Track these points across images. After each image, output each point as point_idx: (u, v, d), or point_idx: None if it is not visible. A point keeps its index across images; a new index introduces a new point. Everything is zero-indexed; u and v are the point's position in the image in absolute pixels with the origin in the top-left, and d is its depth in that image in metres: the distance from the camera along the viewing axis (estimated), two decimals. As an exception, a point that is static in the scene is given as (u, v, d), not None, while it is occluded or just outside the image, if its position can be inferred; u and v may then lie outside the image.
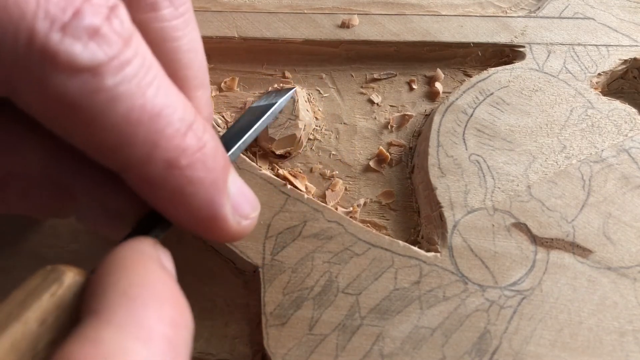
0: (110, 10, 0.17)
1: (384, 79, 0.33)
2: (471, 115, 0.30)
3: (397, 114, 0.32)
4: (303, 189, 0.30)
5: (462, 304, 0.26)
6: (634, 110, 0.31)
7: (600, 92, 0.31)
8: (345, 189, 0.31)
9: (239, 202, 0.21)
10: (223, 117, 0.32)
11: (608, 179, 0.29)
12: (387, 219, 0.30)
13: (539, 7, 0.34)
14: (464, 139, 0.30)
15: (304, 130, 0.31)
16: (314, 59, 0.34)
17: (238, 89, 0.33)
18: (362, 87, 0.33)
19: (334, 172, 0.31)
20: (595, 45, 0.33)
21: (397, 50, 0.33)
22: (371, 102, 0.33)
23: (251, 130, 0.27)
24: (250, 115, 0.29)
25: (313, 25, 0.33)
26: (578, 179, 0.29)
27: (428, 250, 0.28)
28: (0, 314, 0.16)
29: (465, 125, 0.30)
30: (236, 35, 0.33)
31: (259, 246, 0.27)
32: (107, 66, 0.17)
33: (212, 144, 0.20)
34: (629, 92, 0.34)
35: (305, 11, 0.34)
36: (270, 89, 0.32)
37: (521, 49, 0.32)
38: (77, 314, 0.17)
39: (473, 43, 0.33)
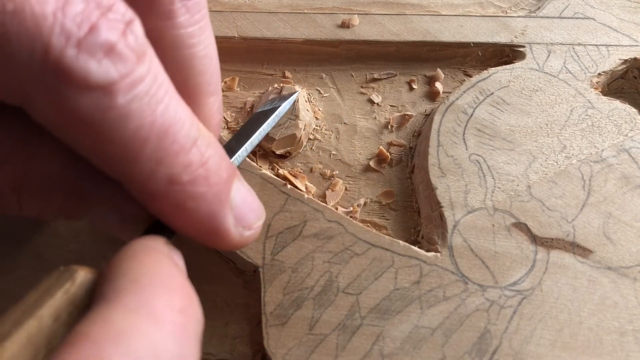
0: (126, 25, 0.17)
1: (384, 78, 0.33)
2: (471, 115, 0.30)
3: (397, 114, 0.32)
4: (303, 188, 0.30)
5: (462, 303, 0.26)
6: (634, 110, 0.31)
7: (600, 92, 0.31)
8: (346, 189, 0.31)
9: (242, 212, 0.21)
10: (223, 117, 0.32)
11: (608, 178, 0.29)
12: (387, 219, 0.30)
13: (539, 7, 0.34)
14: (464, 139, 0.30)
15: (304, 130, 0.31)
16: (314, 59, 0.34)
17: (238, 89, 0.33)
18: (362, 87, 0.33)
19: (334, 172, 0.31)
20: (596, 45, 0.33)
21: (397, 50, 0.33)
22: (371, 102, 0.33)
23: (255, 134, 0.27)
24: (254, 121, 0.29)
25: (313, 25, 0.33)
26: (578, 179, 0.29)
27: (428, 250, 0.28)
28: (16, 312, 0.16)
29: (466, 125, 0.30)
30: (236, 35, 0.33)
31: (259, 246, 0.27)
32: (119, 84, 0.17)
33: (215, 158, 0.20)
34: (629, 92, 0.34)
35: (306, 11, 0.34)
36: (270, 88, 0.32)
37: (521, 49, 0.32)
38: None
39: (473, 43, 0.33)
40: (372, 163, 0.31)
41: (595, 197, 0.28)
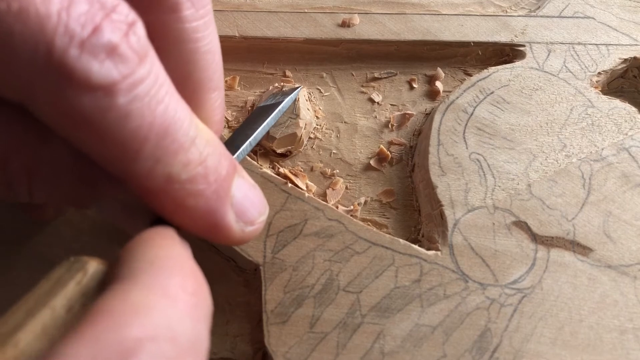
0: (129, 26, 0.18)
1: (385, 77, 0.33)
2: (471, 114, 0.30)
3: (397, 113, 0.32)
4: (304, 187, 0.30)
5: (462, 302, 0.26)
6: (634, 109, 0.31)
7: (600, 91, 0.31)
8: (346, 188, 0.31)
9: (244, 207, 0.21)
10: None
11: (608, 177, 0.29)
12: (388, 218, 0.30)
13: (539, 7, 0.34)
14: (464, 138, 0.30)
15: (304, 129, 0.31)
16: (314, 58, 0.34)
17: (239, 88, 0.33)
18: (362, 86, 0.33)
19: (334, 171, 0.31)
20: (595, 44, 0.33)
21: (398, 49, 0.33)
22: (372, 101, 0.33)
23: (257, 130, 0.27)
24: (257, 116, 0.29)
25: (314, 24, 0.33)
26: (578, 178, 0.29)
27: (429, 249, 0.28)
28: (29, 302, 0.16)
29: (466, 124, 0.30)
30: (237, 34, 0.33)
31: (259, 244, 0.27)
32: (120, 85, 0.17)
33: (214, 156, 0.20)
34: (629, 91, 0.34)
35: (306, 10, 0.34)
36: (271, 87, 0.32)
37: (521, 48, 0.33)
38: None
39: (473, 42, 0.33)
40: (372, 162, 0.31)
41: (595, 196, 0.28)
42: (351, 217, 0.28)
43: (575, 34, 0.33)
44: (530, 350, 0.25)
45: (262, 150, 0.31)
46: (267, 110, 0.29)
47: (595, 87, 0.32)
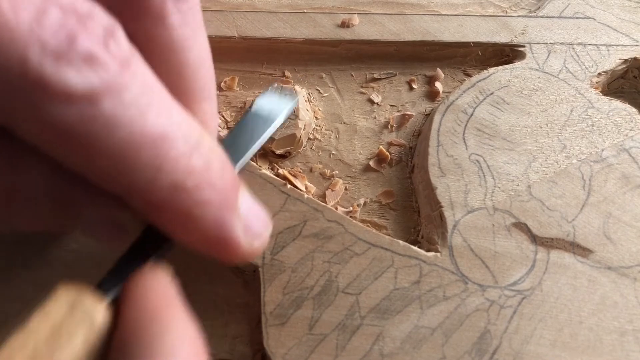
0: (106, 32, 0.17)
1: (384, 78, 0.33)
2: (471, 115, 0.30)
3: (397, 114, 0.32)
4: (303, 188, 0.30)
5: (462, 303, 0.26)
6: (634, 109, 0.31)
7: (600, 91, 0.31)
8: (345, 189, 0.30)
9: (250, 221, 0.20)
10: (223, 116, 0.32)
11: (608, 178, 0.29)
12: (387, 219, 0.30)
13: (539, 7, 0.34)
14: (464, 139, 0.30)
15: (303, 130, 0.31)
16: (313, 59, 0.34)
17: (238, 89, 0.33)
18: (362, 86, 0.33)
19: (333, 172, 0.31)
20: (596, 44, 0.33)
21: (397, 50, 0.33)
22: (371, 101, 0.33)
23: (256, 144, 0.27)
24: (251, 125, 0.28)
25: (313, 24, 0.33)
26: (578, 179, 0.29)
27: (428, 250, 0.28)
28: (25, 349, 0.15)
29: (466, 125, 0.30)
30: (236, 35, 0.33)
31: (258, 246, 0.27)
32: (103, 92, 0.16)
33: (219, 163, 0.19)
34: (629, 92, 0.34)
35: (305, 11, 0.34)
36: (270, 87, 0.32)
37: (521, 49, 0.32)
38: (104, 351, 0.17)
39: (473, 43, 0.33)
40: (372, 163, 0.31)
41: (595, 197, 0.28)
42: (350, 219, 0.28)
43: (576, 35, 0.33)
44: (530, 352, 0.25)
45: (261, 151, 0.31)
46: (263, 120, 0.28)
47: (596, 88, 0.31)
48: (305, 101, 0.32)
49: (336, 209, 0.30)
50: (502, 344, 0.25)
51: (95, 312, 0.17)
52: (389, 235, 0.29)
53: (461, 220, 0.28)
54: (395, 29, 0.33)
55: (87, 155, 0.17)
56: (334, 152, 0.31)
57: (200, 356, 0.17)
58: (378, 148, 0.31)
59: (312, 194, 0.30)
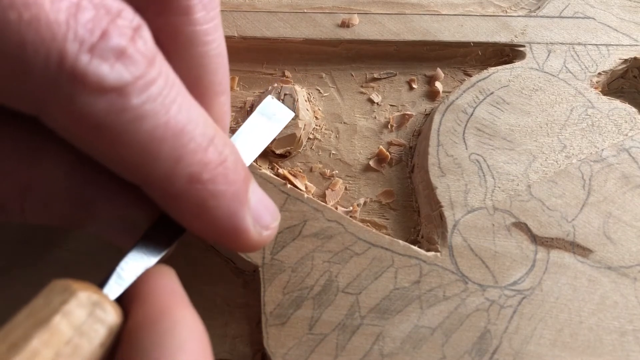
0: (134, 31, 0.18)
1: (384, 78, 0.33)
2: (471, 115, 0.30)
3: (397, 114, 0.32)
4: (303, 188, 0.30)
5: (462, 303, 0.26)
6: (634, 109, 0.31)
7: (600, 91, 0.31)
8: (345, 189, 0.30)
9: (259, 212, 0.21)
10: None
11: (608, 178, 0.29)
12: (387, 219, 0.30)
13: (539, 7, 0.34)
14: (464, 139, 0.30)
15: (303, 130, 0.31)
16: (313, 58, 0.34)
17: (238, 88, 0.33)
18: (362, 86, 0.33)
19: (333, 172, 0.31)
20: (596, 44, 0.32)
21: (397, 50, 0.33)
22: (371, 101, 0.33)
23: (259, 146, 0.27)
24: (257, 125, 0.28)
25: (313, 24, 0.33)
26: (578, 179, 0.29)
27: (428, 250, 0.28)
28: (49, 348, 0.15)
29: (466, 125, 0.30)
30: (236, 35, 0.33)
31: (258, 246, 0.27)
32: (132, 86, 0.17)
33: (232, 157, 0.20)
34: (629, 92, 0.34)
35: (305, 10, 0.34)
36: (270, 87, 0.32)
37: (521, 49, 0.32)
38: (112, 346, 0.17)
39: (473, 42, 0.33)
40: (372, 162, 0.31)
41: (595, 197, 0.28)
42: (350, 218, 0.28)
43: (576, 35, 0.33)
44: (530, 352, 0.25)
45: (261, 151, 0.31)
46: (261, 129, 0.28)
47: (596, 88, 0.31)
48: (305, 101, 0.32)
49: (336, 208, 0.30)
50: (502, 344, 0.25)
51: (110, 311, 0.17)
52: (389, 235, 0.29)
53: (461, 220, 0.28)
54: (395, 29, 0.33)
55: (113, 146, 0.18)
56: (334, 152, 0.31)
57: (207, 352, 0.18)
58: (378, 148, 0.31)
59: (312, 194, 0.30)
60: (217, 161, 0.19)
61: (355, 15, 0.33)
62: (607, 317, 0.26)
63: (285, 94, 0.31)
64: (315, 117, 0.32)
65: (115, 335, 0.17)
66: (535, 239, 0.27)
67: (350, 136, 0.32)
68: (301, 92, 0.32)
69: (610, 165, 0.29)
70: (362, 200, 0.30)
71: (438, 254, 0.27)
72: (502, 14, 0.34)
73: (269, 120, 0.28)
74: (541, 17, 0.33)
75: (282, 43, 0.33)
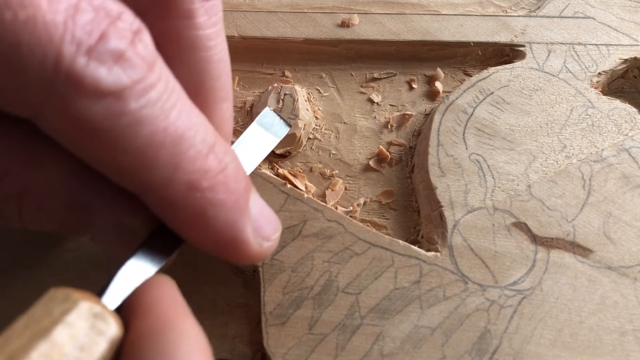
0: (134, 34, 0.17)
1: (384, 78, 0.33)
2: (471, 115, 0.30)
3: (397, 114, 0.32)
4: (303, 188, 0.30)
5: (462, 303, 0.26)
6: (634, 109, 0.31)
7: (600, 91, 0.31)
8: (345, 189, 0.30)
9: (260, 223, 0.21)
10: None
11: (608, 178, 0.29)
12: (387, 219, 0.30)
13: (539, 7, 0.34)
14: (464, 139, 0.30)
15: (303, 130, 0.31)
16: (313, 58, 0.34)
17: (238, 88, 0.33)
18: (362, 86, 0.33)
19: (333, 172, 0.31)
20: (596, 44, 0.32)
21: (397, 50, 0.33)
22: (371, 101, 0.33)
23: (259, 158, 0.27)
24: (256, 136, 0.28)
25: (313, 24, 0.33)
26: (578, 179, 0.29)
27: (428, 250, 0.28)
28: (41, 347, 0.15)
29: (466, 125, 0.30)
30: (236, 34, 0.33)
31: (258, 245, 0.27)
32: (130, 90, 0.17)
33: (233, 165, 0.20)
34: (629, 92, 0.34)
35: (305, 10, 0.34)
36: (270, 87, 0.32)
37: (521, 48, 0.32)
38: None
39: (473, 42, 0.33)
40: (372, 162, 0.31)
41: (596, 197, 0.28)
42: (350, 218, 0.28)
43: (576, 34, 0.33)
44: (530, 352, 0.25)
45: (261, 151, 0.31)
46: (261, 141, 0.28)
47: (596, 88, 0.31)
48: (305, 101, 0.32)
49: (336, 208, 0.30)
50: (502, 344, 0.25)
51: (112, 324, 0.17)
52: (389, 235, 0.29)
53: (461, 220, 0.28)
54: (395, 29, 0.33)
55: (109, 151, 0.17)
56: (333, 152, 0.31)
57: None
58: (378, 148, 0.31)
59: (312, 194, 0.30)
60: (217, 169, 0.19)
61: (355, 15, 0.33)
62: (607, 317, 0.26)
63: (285, 94, 0.31)
64: (315, 117, 0.32)
65: (117, 348, 0.17)
66: (535, 239, 0.27)
67: (350, 136, 0.32)
68: (301, 92, 0.32)
69: (610, 165, 0.29)
70: (362, 200, 0.30)
71: (438, 254, 0.27)
72: (502, 14, 0.34)
73: (267, 131, 0.28)
74: (541, 17, 0.33)
75: (282, 43, 0.33)
